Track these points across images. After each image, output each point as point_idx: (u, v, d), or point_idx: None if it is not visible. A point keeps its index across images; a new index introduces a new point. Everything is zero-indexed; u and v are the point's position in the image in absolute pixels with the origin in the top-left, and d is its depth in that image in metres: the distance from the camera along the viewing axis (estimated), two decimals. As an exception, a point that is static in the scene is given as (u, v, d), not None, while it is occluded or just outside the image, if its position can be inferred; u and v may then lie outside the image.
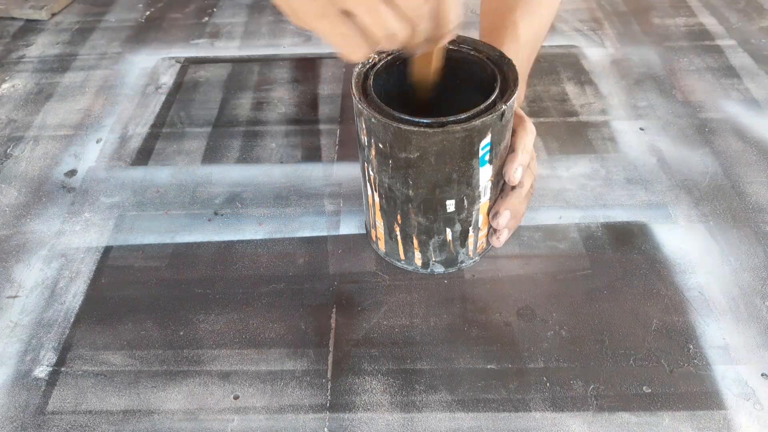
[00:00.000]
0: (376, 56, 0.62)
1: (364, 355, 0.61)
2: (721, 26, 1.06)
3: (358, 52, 0.50)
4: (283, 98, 0.94)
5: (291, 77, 0.98)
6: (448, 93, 0.64)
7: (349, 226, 0.73)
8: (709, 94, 0.91)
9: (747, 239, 0.70)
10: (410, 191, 0.59)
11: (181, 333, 0.63)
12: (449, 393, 0.58)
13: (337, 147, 0.84)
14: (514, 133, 0.62)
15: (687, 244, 0.70)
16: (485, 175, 0.59)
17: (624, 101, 0.90)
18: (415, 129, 0.54)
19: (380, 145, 0.57)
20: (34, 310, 0.66)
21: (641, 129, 0.85)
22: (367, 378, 0.59)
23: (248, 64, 1.02)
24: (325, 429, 0.55)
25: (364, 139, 0.59)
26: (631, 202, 0.75)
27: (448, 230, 0.63)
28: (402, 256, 0.67)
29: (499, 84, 0.59)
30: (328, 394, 0.58)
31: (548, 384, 0.58)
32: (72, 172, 0.82)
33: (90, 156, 0.84)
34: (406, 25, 0.49)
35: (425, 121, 0.55)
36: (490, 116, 0.55)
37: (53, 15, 1.16)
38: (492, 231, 0.65)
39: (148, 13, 1.18)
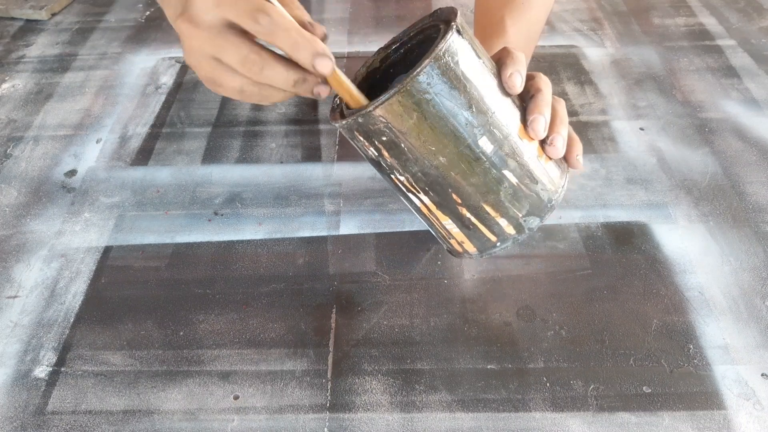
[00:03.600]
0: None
1: (364, 355, 0.61)
2: (721, 26, 1.06)
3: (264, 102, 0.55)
4: (283, 98, 0.93)
5: (291, 77, 0.98)
6: None
7: (349, 226, 0.73)
8: (709, 94, 0.91)
9: (747, 239, 0.70)
10: (440, 157, 0.56)
11: (181, 333, 0.63)
12: (449, 393, 0.58)
13: (337, 147, 0.84)
14: (500, 62, 0.58)
15: (687, 244, 0.70)
16: (487, 92, 0.56)
17: (624, 101, 0.90)
18: (398, 98, 0.52)
19: (384, 138, 0.56)
20: (34, 310, 0.66)
21: (641, 129, 0.85)
22: (367, 378, 0.59)
23: (248, 64, 1.01)
24: (325, 429, 0.55)
25: (372, 151, 0.57)
26: (631, 202, 0.75)
27: (506, 173, 0.57)
28: (493, 238, 0.60)
29: (443, 28, 0.56)
30: (328, 394, 0.58)
31: (548, 384, 0.58)
32: (72, 172, 0.82)
33: (90, 156, 0.84)
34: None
35: (399, 83, 0.53)
36: (443, 41, 0.52)
37: (53, 15, 1.16)
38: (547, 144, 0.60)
39: (148, 13, 1.18)
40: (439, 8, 0.60)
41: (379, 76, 0.64)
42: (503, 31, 0.70)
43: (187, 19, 0.50)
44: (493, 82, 0.57)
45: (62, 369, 0.61)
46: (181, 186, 0.79)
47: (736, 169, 0.79)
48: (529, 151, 0.58)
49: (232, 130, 0.88)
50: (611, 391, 0.57)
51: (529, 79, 0.59)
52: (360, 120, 0.54)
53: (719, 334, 0.61)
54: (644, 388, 0.58)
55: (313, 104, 0.92)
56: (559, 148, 0.59)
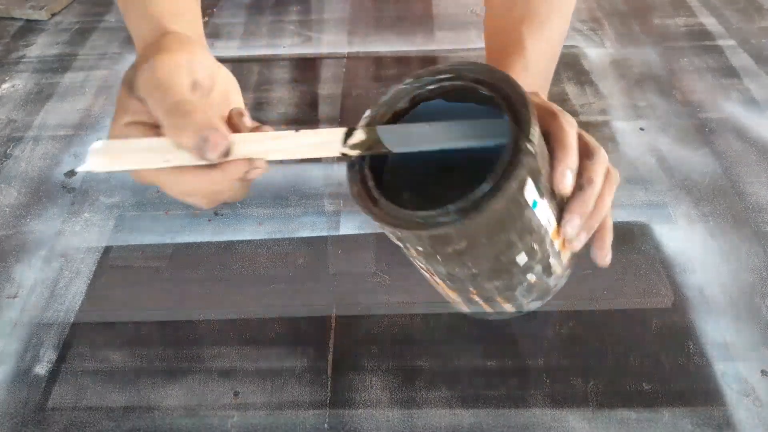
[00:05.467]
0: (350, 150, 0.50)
1: (364, 352, 0.61)
2: (721, 26, 1.06)
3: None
4: (283, 98, 0.94)
5: (291, 77, 0.98)
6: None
7: (349, 226, 0.73)
8: (709, 94, 0.91)
9: (747, 239, 0.70)
10: (473, 270, 0.51)
11: (181, 332, 0.63)
12: (449, 389, 0.58)
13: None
14: (547, 134, 0.51)
15: (687, 244, 0.70)
16: (542, 211, 0.50)
17: (624, 101, 0.90)
18: (452, 230, 0.45)
19: (419, 248, 0.50)
20: (34, 309, 0.66)
21: (641, 129, 0.85)
22: (367, 375, 0.59)
23: (248, 64, 1.02)
24: (325, 425, 0.55)
25: (398, 243, 0.51)
26: (631, 202, 0.75)
27: (530, 275, 0.53)
28: (491, 311, 0.58)
29: (510, 115, 0.47)
30: (328, 390, 0.58)
31: (548, 381, 0.58)
32: (72, 172, 0.82)
33: (90, 156, 0.84)
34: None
35: (454, 209, 0.45)
36: (519, 168, 0.44)
37: (53, 15, 1.17)
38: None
39: (148, 14, 1.18)
40: (491, 69, 0.50)
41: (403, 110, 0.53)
42: (523, 49, 0.65)
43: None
44: (548, 188, 0.50)
45: (62, 366, 0.61)
46: (181, 185, 0.79)
47: (736, 169, 0.79)
48: (555, 248, 0.53)
49: (233, 130, 0.88)
50: (611, 388, 0.57)
51: (583, 156, 0.53)
52: (400, 234, 0.47)
53: (719, 332, 0.61)
54: (644, 384, 0.58)
55: (313, 104, 0.92)
56: (579, 245, 0.54)
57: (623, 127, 0.86)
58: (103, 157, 0.46)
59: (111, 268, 0.70)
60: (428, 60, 1.01)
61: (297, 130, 0.48)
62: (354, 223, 0.73)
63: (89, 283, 0.68)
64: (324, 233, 0.73)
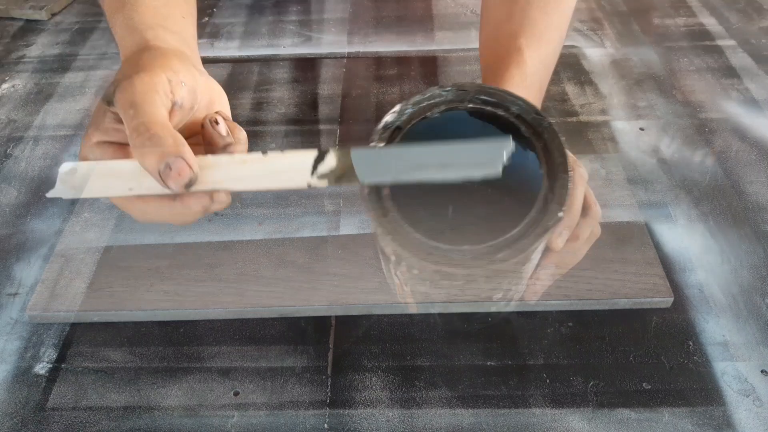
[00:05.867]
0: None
1: (364, 352, 0.61)
2: (721, 26, 1.06)
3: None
4: (283, 98, 0.94)
5: (291, 77, 0.98)
6: None
7: (349, 226, 0.73)
8: (709, 94, 0.91)
9: (747, 238, 0.70)
10: (453, 298, 0.53)
11: (181, 330, 0.63)
12: (449, 389, 0.58)
13: (337, 147, 0.84)
14: None
15: (687, 243, 0.70)
16: (535, 262, 0.51)
17: (624, 101, 0.90)
18: (461, 270, 0.44)
19: (415, 271, 0.48)
20: (34, 309, 0.65)
21: (641, 129, 0.85)
22: (367, 374, 0.59)
23: (248, 64, 1.02)
24: (325, 425, 0.55)
25: (393, 257, 0.48)
26: (631, 202, 0.75)
27: (493, 307, 0.57)
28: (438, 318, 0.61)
29: (545, 168, 0.46)
30: (328, 390, 0.58)
31: (548, 380, 0.58)
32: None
33: (90, 155, 0.84)
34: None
35: (470, 250, 0.44)
36: (546, 234, 0.44)
37: (53, 15, 1.16)
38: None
39: (148, 14, 1.18)
40: (538, 112, 0.48)
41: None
42: (522, 60, 0.65)
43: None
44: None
45: (62, 366, 0.61)
46: (181, 185, 0.79)
47: (736, 169, 0.79)
48: (521, 288, 0.55)
49: (233, 129, 0.88)
50: (611, 388, 0.57)
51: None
52: (404, 255, 0.45)
53: (719, 331, 0.61)
54: (644, 384, 0.58)
55: (313, 104, 0.92)
56: (539, 289, 0.57)
57: (623, 127, 0.86)
58: (69, 183, 0.45)
59: (111, 268, 0.70)
60: (428, 60, 1.01)
61: (265, 152, 0.46)
62: (354, 223, 0.73)
63: (89, 282, 0.68)
64: (324, 233, 0.73)
